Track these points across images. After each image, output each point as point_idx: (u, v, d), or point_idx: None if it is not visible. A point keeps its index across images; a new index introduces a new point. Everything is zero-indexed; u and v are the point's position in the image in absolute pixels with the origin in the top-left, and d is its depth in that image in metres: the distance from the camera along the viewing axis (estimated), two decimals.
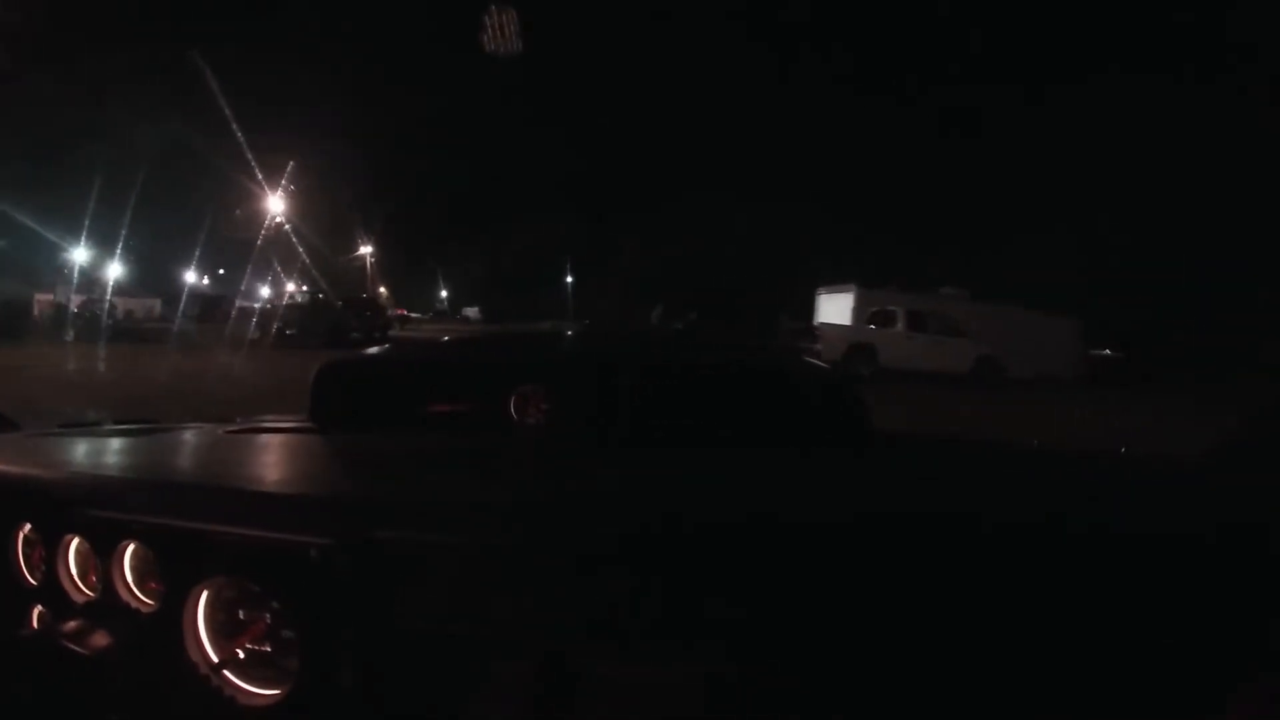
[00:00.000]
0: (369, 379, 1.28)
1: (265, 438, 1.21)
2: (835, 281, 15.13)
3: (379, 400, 1.21)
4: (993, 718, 0.58)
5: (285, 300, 16.46)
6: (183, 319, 17.85)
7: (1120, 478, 1.01)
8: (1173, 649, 0.57)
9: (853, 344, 12.77)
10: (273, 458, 1.06)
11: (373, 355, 1.52)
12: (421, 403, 1.16)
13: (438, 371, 1.30)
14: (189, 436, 1.20)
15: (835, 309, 14.25)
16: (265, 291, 15.98)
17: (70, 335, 13.92)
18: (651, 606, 0.60)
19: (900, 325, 13.36)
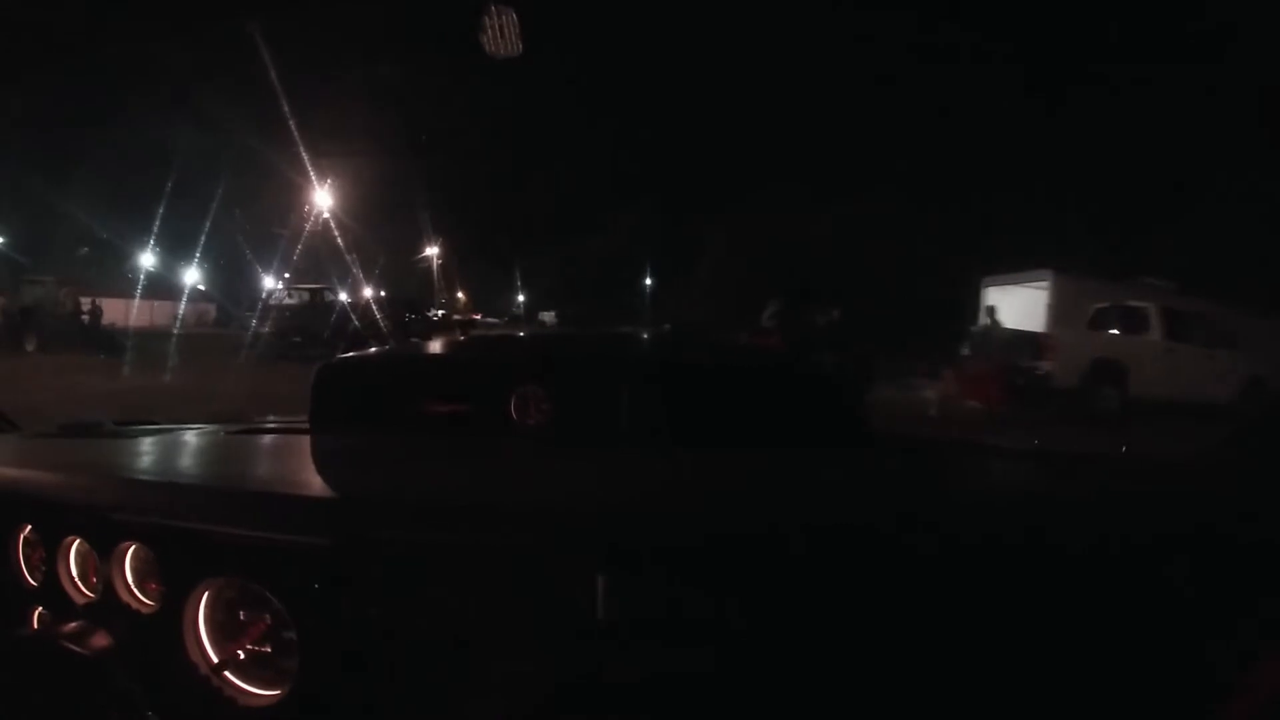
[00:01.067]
0: (369, 379, 1.28)
1: (266, 438, 1.22)
2: (1005, 269, 10.02)
3: (379, 401, 1.21)
4: (994, 718, 0.58)
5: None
6: (237, 324, 16.73)
7: (1120, 478, 1.01)
8: (1171, 650, 0.57)
9: (1097, 360, 8.18)
10: (273, 458, 1.06)
11: (373, 355, 1.53)
12: (422, 403, 1.16)
13: (439, 372, 1.30)
14: (190, 437, 1.21)
15: (1015, 307, 9.30)
16: (343, 295, 14.27)
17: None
18: (652, 607, 0.60)
19: (1155, 333, 8.42)
